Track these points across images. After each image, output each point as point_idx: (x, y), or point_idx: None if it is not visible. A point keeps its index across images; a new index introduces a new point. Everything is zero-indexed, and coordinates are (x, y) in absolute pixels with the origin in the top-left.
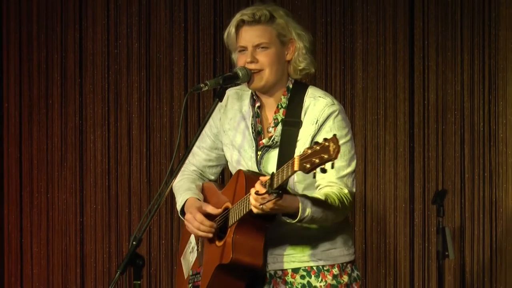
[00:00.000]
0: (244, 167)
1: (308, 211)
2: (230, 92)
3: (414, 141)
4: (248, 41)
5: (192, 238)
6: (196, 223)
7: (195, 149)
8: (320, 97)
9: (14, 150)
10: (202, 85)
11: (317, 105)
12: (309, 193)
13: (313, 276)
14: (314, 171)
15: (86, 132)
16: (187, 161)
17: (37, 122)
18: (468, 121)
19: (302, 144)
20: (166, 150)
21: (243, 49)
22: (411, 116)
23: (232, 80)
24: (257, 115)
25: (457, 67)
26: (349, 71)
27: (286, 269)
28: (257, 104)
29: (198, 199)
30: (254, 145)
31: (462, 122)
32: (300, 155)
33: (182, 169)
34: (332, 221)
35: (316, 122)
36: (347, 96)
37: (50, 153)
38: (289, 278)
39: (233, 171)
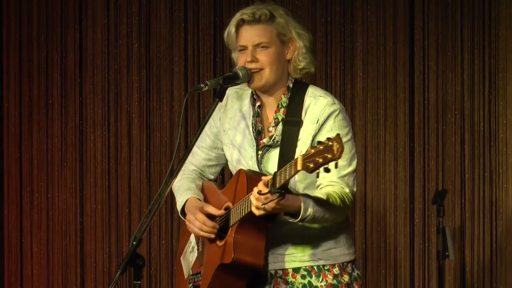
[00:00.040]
0: (244, 167)
1: (310, 210)
2: (230, 91)
3: (414, 141)
4: (248, 40)
5: (192, 238)
6: (198, 224)
7: (195, 148)
8: (320, 96)
9: (14, 150)
10: (202, 85)
11: (318, 105)
12: (309, 192)
13: (313, 275)
14: (318, 170)
15: (86, 132)
16: (186, 161)
17: (37, 122)
18: (468, 121)
19: (302, 144)
20: (166, 150)
21: (243, 48)
22: (411, 116)
23: (232, 80)
24: (258, 115)
25: (457, 67)
26: (349, 71)
27: (287, 269)
28: (258, 104)
29: (199, 199)
30: (255, 144)
31: (462, 122)
32: (303, 154)
33: (182, 168)
34: (333, 220)
35: (317, 122)
36: (347, 96)
37: (50, 153)
38: (289, 278)
39: (233, 171)
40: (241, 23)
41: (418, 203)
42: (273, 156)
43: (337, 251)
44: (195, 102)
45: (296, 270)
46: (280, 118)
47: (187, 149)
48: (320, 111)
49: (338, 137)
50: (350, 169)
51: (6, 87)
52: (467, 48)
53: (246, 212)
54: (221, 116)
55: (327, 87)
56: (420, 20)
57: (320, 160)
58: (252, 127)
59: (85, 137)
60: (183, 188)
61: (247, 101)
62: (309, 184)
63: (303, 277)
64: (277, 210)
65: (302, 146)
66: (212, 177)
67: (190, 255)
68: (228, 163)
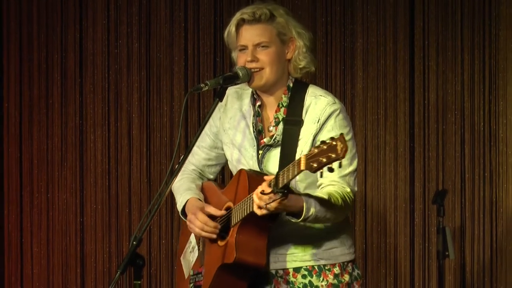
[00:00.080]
0: (245, 166)
1: (312, 210)
2: (230, 91)
3: (414, 141)
4: (249, 40)
5: (192, 238)
6: (199, 224)
7: (194, 148)
8: (321, 96)
9: (14, 150)
10: (202, 85)
11: (319, 104)
12: (310, 191)
13: (314, 275)
14: (321, 170)
15: (86, 132)
16: (186, 161)
17: (37, 122)
18: (468, 121)
19: (303, 143)
20: (166, 150)
21: (244, 48)
22: (411, 116)
23: (232, 79)
24: (258, 114)
25: (457, 67)
26: (349, 71)
27: (288, 269)
28: (258, 103)
29: (199, 199)
30: (256, 144)
31: (463, 122)
32: (307, 154)
33: (182, 168)
34: (334, 220)
35: (318, 121)
36: (347, 96)
37: (50, 153)
38: (290, 278)
39: (233, 170)
40: (241, 22)
41: (418, 203)
42: (274, 156)
43: (338, 250)
44: (195, 102)
45: (296, 269)
46: (280, 118)
47: (187, 149)
48: (321, 110)
49: (342, 136)
50: (351, 168)
51: (6, 87)
52: (467, 48)
53: (248, 212)
54: (221, 115)
55: (327, 87)
56: (420, 20)
57: (324, 160)
58: (253, 127)
59: (85, 137)
60: (183, 188)
61: (247, 100)
62: (310, 184)
63: (303, 276)
64: (279, 210)
65: (303, 146)
66: (211, 176)
67: (190, 255)
68: (228, 162)
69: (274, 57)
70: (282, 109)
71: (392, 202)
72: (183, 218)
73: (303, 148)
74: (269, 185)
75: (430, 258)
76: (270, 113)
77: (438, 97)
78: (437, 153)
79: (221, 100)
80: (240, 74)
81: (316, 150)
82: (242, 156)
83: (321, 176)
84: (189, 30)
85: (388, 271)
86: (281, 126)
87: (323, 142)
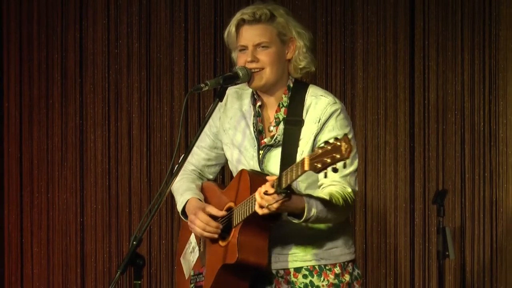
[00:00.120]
0: (245, 166)
1: (314, 211)
2: (230, 91)
3: (415, 141)
4: (249, 40)
5: (192, 238)
6: (201, 224)
7: (194, 148)
8: (321, 95)
9: (14, 150)
10: (202, 85)
11: (319, 104)
12: (311, 191)
13: (315, 275)
14: (325, 170)
15: (86, 132)
16: (186, 161)
17: (37, 122)
18: (468, 121)
19: (304, 143)
20: (167, 150)
21: (244, 48)
22: (412, 116)
23: (233, 80)
24: (258, 114)
25: (457, 67)
26: (349, 71)
27: (289, 269)
28: (258, 103)
29: (200, 200)
30: (256, 144)
31: (463, 122)
32: (310, 155)
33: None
34: (335, 220)
35: (319, 121)
36: (348, 96)
37: (51, 153)
38: (291, 278)
39: (233, 170)
40: (241, 22)
41: (418, 203)
42: (275, 156)
43: (339, 250)
44: (195, 102)
45: (297, 269)
46: (281, 118)
47: (187, 149)
48: (321, 110)
49: (346, 137)
50: (352, 168)
51: (6, 87)
52: (467, 48)
53: (250, 212)
54: (221, 115)
55: (327, 87)
56: (421, 20)
57: (328, 160)
58: (253, 127)
59: (86, 137)
60: (183, 188)
61: (247, 100)
62: (311, 184)
63: (304, 276)
64: (281, 211)
65: (304, 146)
66: (211, 177)
67: (190, 255)
68: (228, 162)
69: (274, 57)
70: (283, 109)
71: (392, 202)
72: (183, 218)
73: (303, 148)
74: (272, 186)
75: (430, 258)
76: (271, 113)
77: (438, 97)
78: (437, 153)
79: (221, 100)
80: (240, 74)
81: (320, 151)
82: (242, 156)
83: (325, 176)
84: (189, 30)
85: (388, 271)
86: (281, 126)
87: (327, 143)
